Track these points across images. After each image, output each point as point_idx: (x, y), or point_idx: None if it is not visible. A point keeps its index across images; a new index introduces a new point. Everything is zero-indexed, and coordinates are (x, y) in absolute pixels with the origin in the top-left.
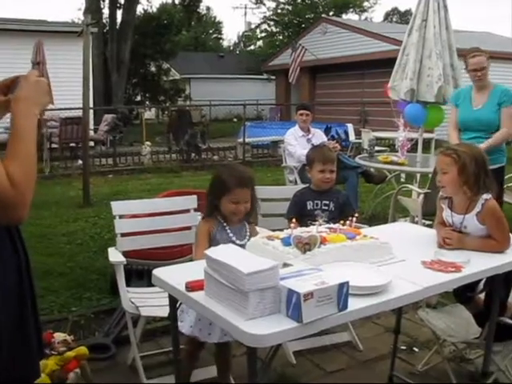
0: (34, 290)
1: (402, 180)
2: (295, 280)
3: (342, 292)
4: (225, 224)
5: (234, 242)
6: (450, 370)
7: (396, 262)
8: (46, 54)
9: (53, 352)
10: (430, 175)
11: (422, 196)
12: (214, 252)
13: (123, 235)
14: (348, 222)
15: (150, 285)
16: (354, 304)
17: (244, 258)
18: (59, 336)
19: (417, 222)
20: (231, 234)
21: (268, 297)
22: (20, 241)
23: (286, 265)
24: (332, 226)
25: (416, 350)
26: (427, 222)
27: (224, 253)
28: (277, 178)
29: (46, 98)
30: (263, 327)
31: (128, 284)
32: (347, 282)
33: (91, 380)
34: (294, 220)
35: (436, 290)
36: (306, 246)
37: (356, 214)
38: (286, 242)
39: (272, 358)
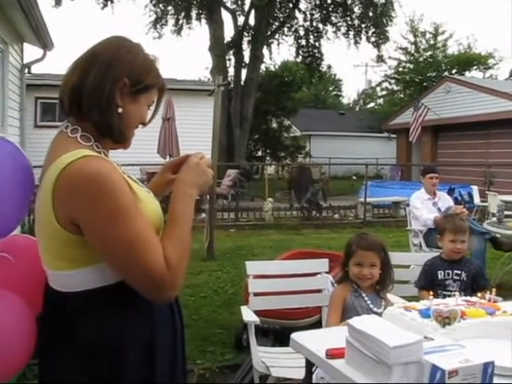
0: (185, 349)
1: None
2: (438, 355)
3: (487, 372)
4: (360, 291)
5: (371, 310)
6: None
7: None
8: (176, 110)
9: None
10: None
11: None
12: (357, 322)
13: (255, 294)
14: (487, 296)
15: (275, 343)
16: None
17: (388, 330)
18: None
19: None
20: (369, 302)
21: (411, 371)
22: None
23: (426, 338)
24: (469, 299)
25: None
26: None
27: (367, 323)
28: (399, 240)
29: (204, 179)
30: None
31: None
32: (492, 362)
33: None
34: (430, 292)
35: None
36: (445, 319)
37: (494, 289)
38: (424, 313)
39: None
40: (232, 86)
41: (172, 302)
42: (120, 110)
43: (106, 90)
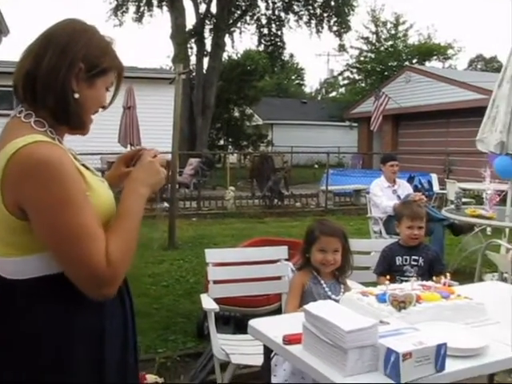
0: (136, 335)
1: (489, 233)
2: (393, 339)
3: (440, 353)
4: (319, 278)
5: (329, 297)
6: None
7: (491, 324)
8: (137, 99)
9: None
10: None
11: (511, 252)
12: (313, 307)
13: (215, 282)
14: (442, 281)
15: (236, 331)
16: (451, 366)
17: (344, 314)
18: (151, 378)
19: (505, 279)
20: (327, 289)
21: (367, 355)
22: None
23: (382, 322)
24: (425, 283)
25: None
26: None
27: (324, 309)
28: (359, 228)
29: (157, 178)
30: None
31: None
32: (445, 344)
33: None
34: (387, 277)
35: None
36: (401, 304)
37: (448, 273)
38: (381, 298)
39: None
40: (194, 74)
41: (123, 290)
42: (76, 96)
43: (61, 76)
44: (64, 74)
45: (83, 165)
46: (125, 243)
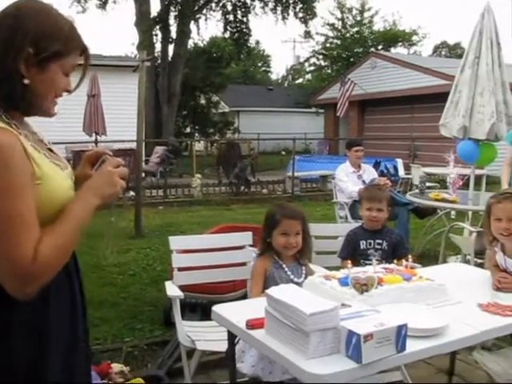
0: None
1: (453, 217)
2: (355, 321)
3: (401, 334)
4: (281, 262)
5: (291, 280)
6: None
7: (452, 304)
8: (101, 87)
9: (110, 382)
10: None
11: (474, 234)
12: (275, 291)
13: (180, 269)
14: (404, 263)
15: (203, 318)
16: (412, 346)
17: (305, 298)
18: (116, 367)
19: (468, 261)
20: (289, 272)
21: (328, 337)
22: (77, 272)
23: (344, 305)
24: (388, 266)
25: None
26: (479, 261)
27: (285, 292)
28: (326, 213)
29: (112, 191)
30: (323, 367)
31: (181, 316)
32: (405, 324)
33: None
34: (349, 261)
35: (493, 333)
36: (363, 286)
37: (410, 256)
38: (343, 282)
39: None
40: (159, 61)
41: (73, 277)
42: (26, 81)
43: (9, 61)
44: (12, 59)
45: (49, 149)
46: (57, 245)
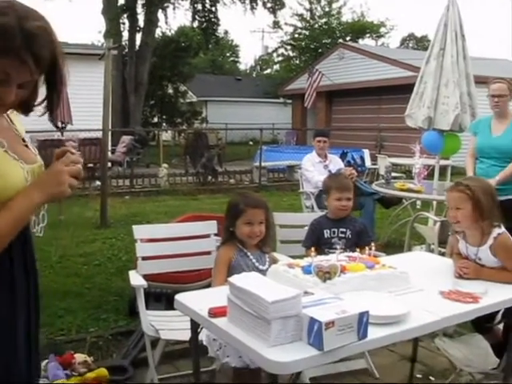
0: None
1: (418, 207)
2: (317, 308)
3: (363, 321)
4: (246, 250)
5: (256, 268)
6: None
7: (414, 292)
8: (67, 75)
9: (73, 373)
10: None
11: (438, 224)
12: (237, 280)
13: (144, 258)
14: (367, 251)
15: (168, 307)
16: (374, 333)
17: (267, 286)
18: (80, 357)
19: (433, 250)
20: (254, 260)
21: (290, 325)
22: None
23: (306, 293)
24: (351, 254)
25: (432, 379)
26: (443, 250)
27: (247, 280)
28: (292, 203)
29: (58, 190)
30: (285, 354)
31: (146, 306)
32: (367, 312)
33: None
34: (313, 249)
35: (454, 320)
36: (326, 274)
37: (373, 244)
38: (306, 270)
39: None
40: (126, 50)
41: (28, 267)
42: None
43: None
44: None
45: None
46: None
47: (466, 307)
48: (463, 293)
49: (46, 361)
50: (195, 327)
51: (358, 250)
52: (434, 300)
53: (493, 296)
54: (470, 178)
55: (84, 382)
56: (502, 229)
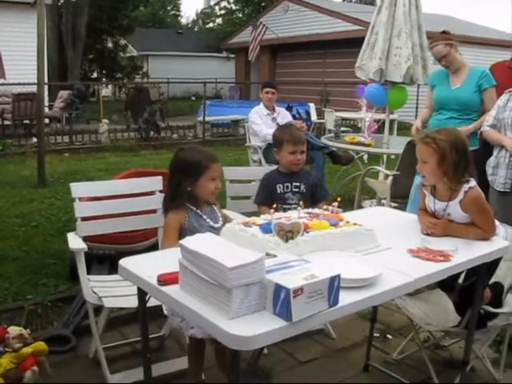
0: None
1: (366, 161)
2: (282, 273)
3: (334, 286)
4: (198, 210)
5: (212, 227)
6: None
7: (382, 251)
8: None
9: (7, 349)
10: (399, 157)
11: (390, 178)
12: (190, 242)
13: (84, 219)
14: (330, 208)
15: (112, 271)
16: (345, 299)
17: (225, 249)
18: (14, 330)
19: (383, 205)
20: (208, 220)
21: (253, 293)
22: None
23: (268, 255)
24: (312, 211)
25: (390, 337)
26: (393, 205)
27: (201, 243)
28: (238, 158)
29: None
30: (249, 327)
31: (88, 270)
32: (339, 275)
33: (51, 377)
34: (273, 206)
35: (428, 280)
36: (288, 233)
37: (339, 198)
38: (265, 229)
39: (257, 360)
40: (62, 1)
41: None
42: None
43: None
44: None
45: None
46: None
47: (439, 266)
48: (433, 251)
49: None
50: (143, 296)
51: (320, 205)
52: (403, 259)
53: (463, 253)
54: (440, 130)
55: (19, 357)
56: (473, 183)
